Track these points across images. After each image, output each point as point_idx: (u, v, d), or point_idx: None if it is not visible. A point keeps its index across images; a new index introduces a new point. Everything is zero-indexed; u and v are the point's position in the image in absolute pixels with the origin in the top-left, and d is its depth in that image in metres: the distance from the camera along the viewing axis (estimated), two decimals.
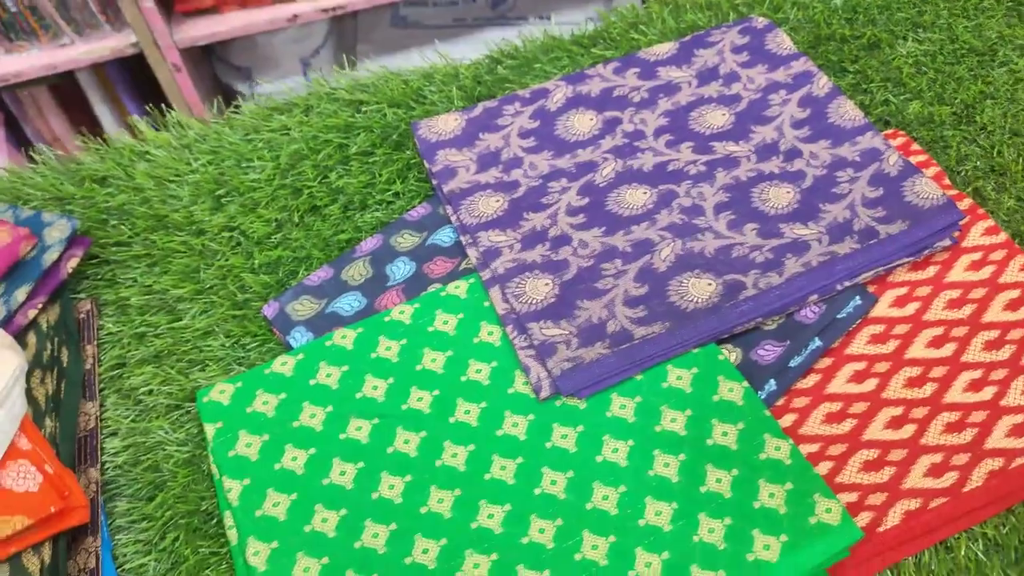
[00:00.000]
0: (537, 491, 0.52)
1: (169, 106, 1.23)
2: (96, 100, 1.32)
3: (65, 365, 0.59)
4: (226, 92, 1.40)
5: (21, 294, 0.58)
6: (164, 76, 1.19)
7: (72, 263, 0.62)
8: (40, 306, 0.59)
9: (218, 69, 1.37)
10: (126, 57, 1.17)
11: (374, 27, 1.45)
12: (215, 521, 0.54)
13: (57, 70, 1.15)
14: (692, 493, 0.51)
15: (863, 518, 0.50)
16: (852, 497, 0.51)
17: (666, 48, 0.71)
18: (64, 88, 1.30)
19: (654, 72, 0.70)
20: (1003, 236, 0.60)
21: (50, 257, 0.60)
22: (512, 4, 1.48)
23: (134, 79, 1.34)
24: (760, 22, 0.72)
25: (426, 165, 0.66)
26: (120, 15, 1.12)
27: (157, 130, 0.71)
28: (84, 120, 1.35)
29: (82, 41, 1.15)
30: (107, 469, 0.57)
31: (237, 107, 0.72)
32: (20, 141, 1.33)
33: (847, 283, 0.58)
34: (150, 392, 0.59)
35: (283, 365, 0.58)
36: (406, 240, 0.64)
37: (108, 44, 1.15)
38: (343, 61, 1.43)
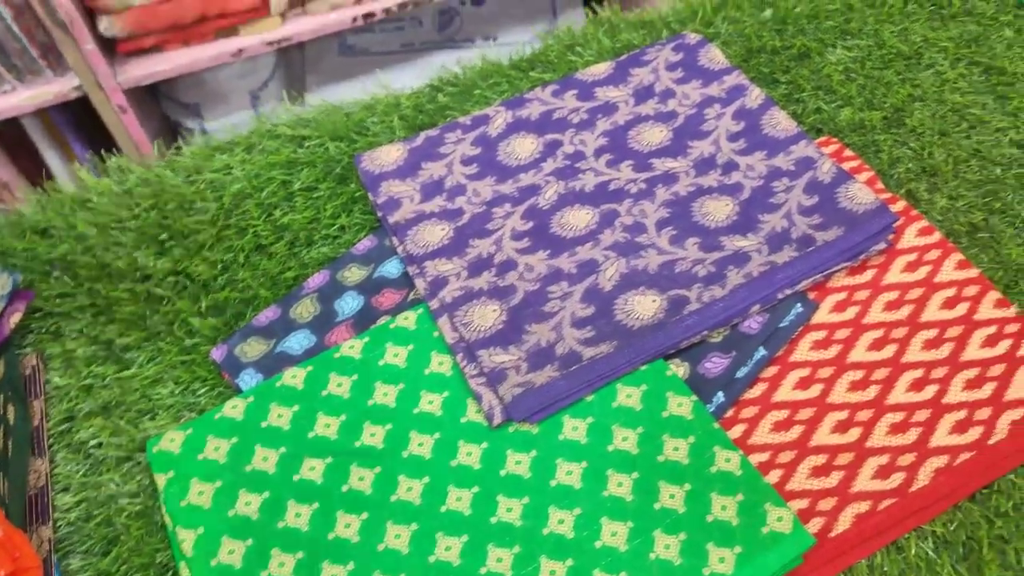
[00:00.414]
0: (493, 520, 0.52)
1: (117, 148, 1.23)
2: (43, 145, 1.31)
3: (12, 423, 0.58)
4: (175, 129, 1.39)
5: None
6: (110, 118, 1.18)
7: (15, 318, 0.61)
8: None
9: (166, 107, 1.36)
10: (71, 100, 1.16)
11: (322, 57, 1.45)
12: (171, 574, 0.53)
13: (1, 117, 1.14)
14: (647, 511, 0.51)
15: (815, 524, 0.51)
16: (803, 504, 0.52)
17: (602, 68, 0.72)
18: (9, 134, 1.28)
19: (592, 93, 0.71)
20: (937, 236, 0.61)
21: None
22: (459, 27, 1.49)
23: (80, 121, 1.33)
24: (692, 38, 0.73)
25: (370, 197, 0.66)
26: (62, 59, 1.11)
27: (98, 177, 0.71)
28: (32, 165, 1.34)
29: (24, 87, 1.14)
30: (60, 526, 0.56)
31: (179, 148, 0.72)
32: None
33: (788, 291, 0.59)
34: (100, 445, 0.58)
35: (233, 409, 0.57)
36: (353, 274, 0.64)
37: (51, 89, 1.14)
38: (292, 93, 1.44)
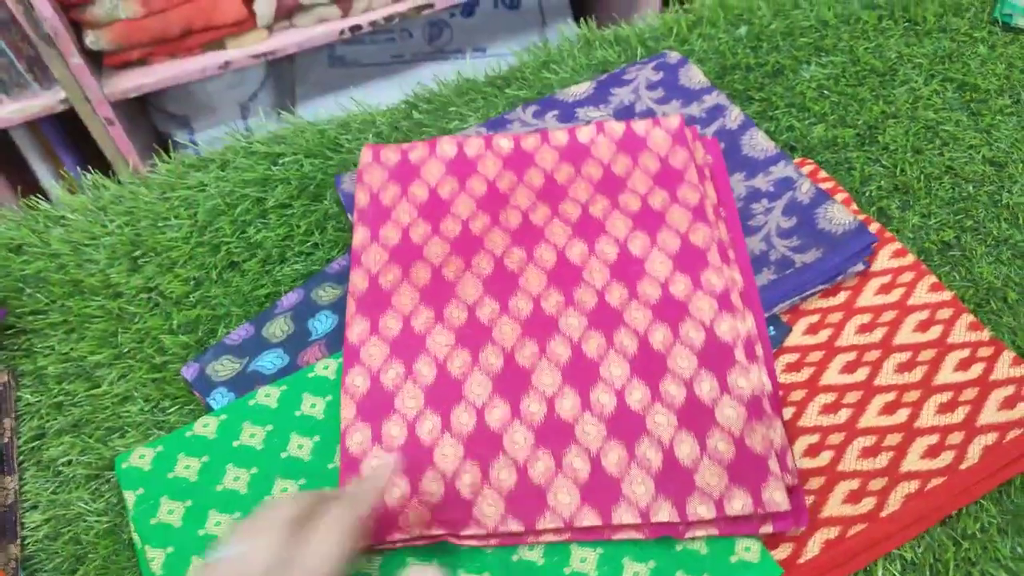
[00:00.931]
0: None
1: (104, 159, 1.23)
2: (32, 157, 1.31)
3: None
4: (165, 141, 1.39)
5: None
6: (97, 130, 1.18)
7: None
8: None
9: (155, 118, 1.36)
10: (59, 113, 1.16)
11: (311, 68, 1.45)
12: None
13: None
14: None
15: (783, 550, 0.51)
16: (770, 529, 0.51)
17: (583, 88, 0.72)
18: None
19: (573, 113, 0.71)
20: (911, 258, 0.61)
21: None
22: (449, 38, 1.49)
23: (69, 133, 1.33)
24: (673, 57, 0.73)
25: (349, 217, 0.66)
26: (48, 73, 1.11)
27: (73, 193, 0.71)
28: (22, 177, 1.34)
29: (11, 100, 1.14)
30: (28, 544, 0.55)
31: (153, 165, 0.72)
32: None
33: (765, 315, 0.59)
34: (69, 463, 0.58)
35: (205, 427, 0.57)
36: (327, 293, 0.64)
37: (38, 102, 1.14)
38: (282, 103, 1.44)
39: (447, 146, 0.66)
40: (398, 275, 0.61)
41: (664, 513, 0.50)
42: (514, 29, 1.49)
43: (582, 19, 0.82)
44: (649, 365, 0.55)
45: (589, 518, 0.50)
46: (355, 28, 1.21)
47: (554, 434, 0.53)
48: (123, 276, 0.65)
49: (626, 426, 0.53)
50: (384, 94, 1.31)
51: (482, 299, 0.59)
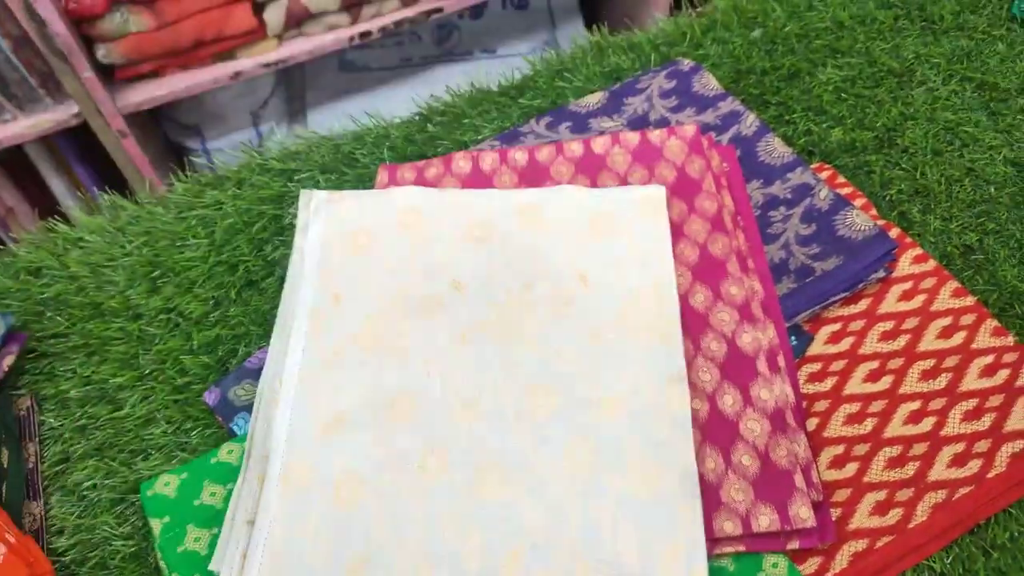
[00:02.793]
0: None
1: (119, 172, 1.23)
2: (47, 171, 1.32)
3: (6, 466, 0.58)
4: (178, 150, 1.40)
5: None
6: (111, 143, 1.19)
7: (8, 360, 0.61)
8: None
9: (167, 129, 1.37)
10: (73, 127, 1.16)
11: (321, 73, 1.45)
12: None
13: (2, 145, 1.15)
14: None
15: (811, 565, 0.50)
16: (796, 545, 0.51)
17: (596, 99, 0.71)
18: (13, 161, 1.29)
19: (586, 124, 0.70)
20: (932, 264, 0.61)
21: None
22: (458, 40, 1.49)
23: (83, 147, 1.34)
24: (686, 64, 0.72)
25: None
26: (61, 88, 1.12)
27: (91, 214, 0.71)
28: (37, 191, 1.35)
29: (24, 116, 1.14)
30: (56, 569, 0.56)
31: (169, 185, 0.72)
32: None
33: (785, 325, 0.58)
34: (94, 486, 0.58)
35: (229, 453, 0.57)
36: None
37: (51, 117, 1.15)
38: (293, 110, 1.44)
39: (462, 162, 0.66)
40: None
41: None
42: (523, 30, 1.49)
43: (594, 26, 0.82)
44: None
45: None
46: (365, 34, 1.21)
47: None
48: (143, 297, 0.65)
49: None
50: (395, 98, 1.31)
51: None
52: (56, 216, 0.72)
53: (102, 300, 0.66)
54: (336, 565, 0.50)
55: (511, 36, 1.49)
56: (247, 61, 1.19)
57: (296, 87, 1.46)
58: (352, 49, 1.46)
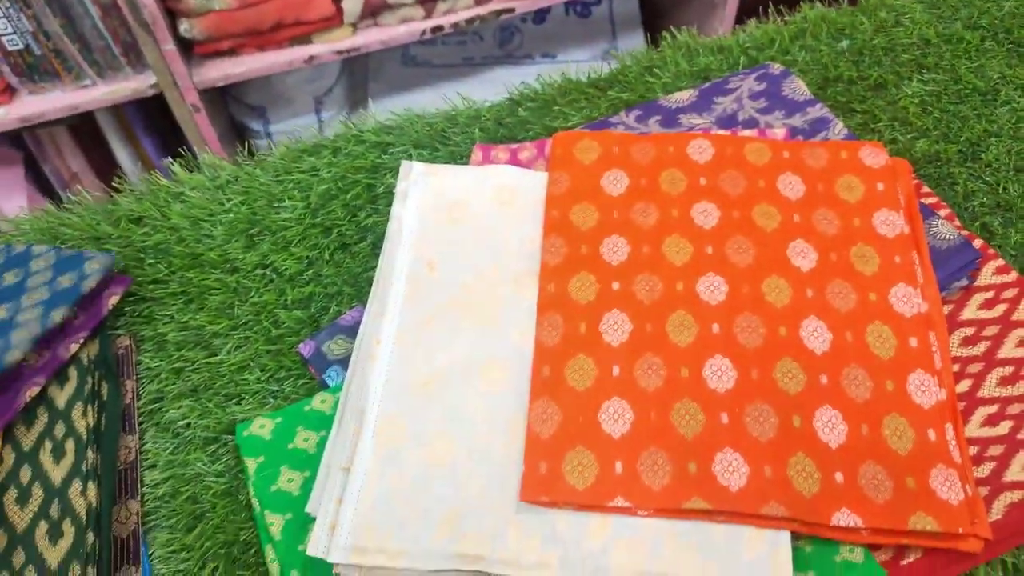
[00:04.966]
0: None
1: (186, 144, 1.26)
2: (114, 140, 1.35)
3: (105, 399, 0.60)
4: (240, 130, 1.43)
5: (57, 315, 0.60)
6: (183, 116, 1.22)
7: (113, 300, 0.64)
8: (81, 341, 0.61)
9: (233, 108, 1.40)
10: (145, 98, 1.19)
11: (384, 65, 1.49)
12: (253, 551, 0.55)
13: (79, 110, 1.18)
14: None
15: (885, 552, 0.52)
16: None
17: (686, 95, 0.74)
18: (82, 128, 1.32)
19: (676, 119, 0.72)
20: (1014, 275, 0.62)
21: (88, 284, 0.62)
22: (519, 43, 1.52)
23: (150, 118, 1.37)
24: (776, 68, 0.75)
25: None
26: (141, 58, 1.15)
27: (190, 172, 0.74)
28: (101, 159, 1.38)
29: (103, 83, 1.18)
30: (147, 500, 0.58)
31: (263, 154, 0.75)
32: (38, 179, 1.35)
33: None
34: (188, 425, 0.60)
35: (322, 403, 0.59)
36: None
37: (129, 85, 1.18)
38: (355, 99, 1.47)
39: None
40: None
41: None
42: (584, 37, 1.52)
43: (659, 34, 0.84)
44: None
45: None
46: (436, 29, 1.24)
47: None
48: (240, 252, 0.68)
49: None
50: (454, 95, 1.34)
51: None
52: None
53: (201, 252, 0.68)
54: (427, 518, 0.52)
55: (572, 43, 1.52)
56: (322, 46, 1.22)
57: (359, 77, 1.49)
58: (416, 44, 1.50)
